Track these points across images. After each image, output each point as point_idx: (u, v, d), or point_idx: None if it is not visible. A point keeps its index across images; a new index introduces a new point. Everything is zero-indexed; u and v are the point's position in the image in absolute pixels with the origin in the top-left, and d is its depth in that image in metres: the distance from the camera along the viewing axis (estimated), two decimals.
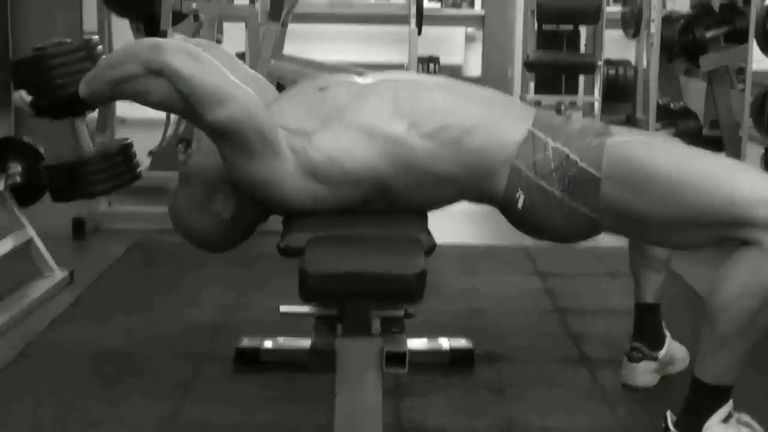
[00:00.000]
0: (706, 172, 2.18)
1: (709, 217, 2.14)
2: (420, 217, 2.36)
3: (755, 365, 2.37)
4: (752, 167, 2.63)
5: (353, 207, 2.30)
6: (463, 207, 2.57)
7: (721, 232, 2.15)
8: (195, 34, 4.67)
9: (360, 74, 2.52)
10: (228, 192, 2.37)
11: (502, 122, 2.31)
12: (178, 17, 4.65)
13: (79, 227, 4.49)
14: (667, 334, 2.83)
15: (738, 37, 5.17)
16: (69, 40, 2.59)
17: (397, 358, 2.13)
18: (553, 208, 2.26)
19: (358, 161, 2.23)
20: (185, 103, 2.20)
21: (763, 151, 4.90)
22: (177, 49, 2.21)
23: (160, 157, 5.35)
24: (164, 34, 4.60)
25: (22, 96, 2.47)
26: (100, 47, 2.59)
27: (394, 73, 2.52)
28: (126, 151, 2.76)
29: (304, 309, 2.28)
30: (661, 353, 2.80)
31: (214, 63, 2.23)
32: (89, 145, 2.68)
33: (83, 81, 2.36)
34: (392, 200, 2.32)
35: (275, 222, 2.48)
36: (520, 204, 2.28)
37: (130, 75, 2.23)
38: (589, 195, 2.22)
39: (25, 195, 3.71)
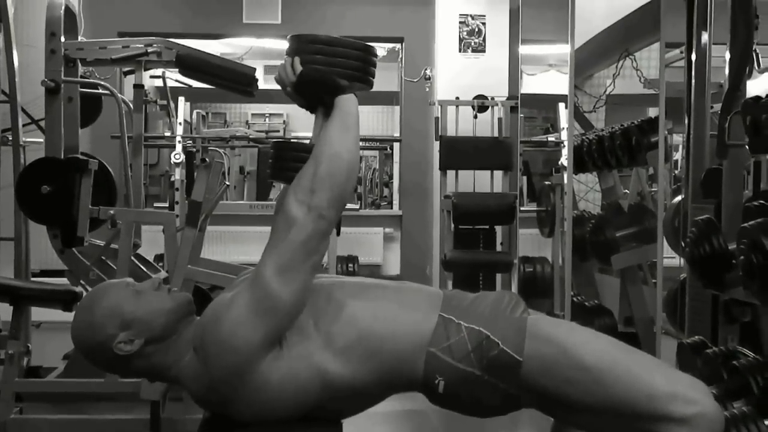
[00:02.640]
0: (626, 365, 2.22)
1: (627, 408, 2.18)
2: (335, 426, 2.34)
3: None
4: (668, 364, 2.68)
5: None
6: (382, 409, 2.56)
7: (639, 425, 2.18)
8: (112, 240, 4.67)
9: None
10: (138, 340, 2.30)
11: (412, 317, 2.34)
12: (95, 223, 4.66)
13: None
14: None
15: (648, 236, 5.30)
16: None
17: None
18: (473, 387, 2.28)
19: (295, 396, 2.25)
20: (280, 236, 2.23)
21: (677, 345, 4.96)
22: (328, 229, 2.26)
23: (75, 362, 5.25)
24: (81, 242, 4.60)
25: (294, 63, 2.40)
26: (376, 58, 2.53)
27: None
28: None
29: None
30: None
31: (318, 264, 2.26)
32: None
33: (352, 101, 2.38)
34: (319, 414, 2.32)
35: (193, 427, 2.44)
36: (440, 389, 2.29)
37: (315, 174, 2.25)
38: (509, 375, 2.25)
39: None
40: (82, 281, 4.89)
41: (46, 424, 4.64)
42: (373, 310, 2.35)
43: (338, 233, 7.67)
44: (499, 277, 8.08)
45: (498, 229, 8.02)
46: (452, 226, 7.65)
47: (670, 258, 5.11)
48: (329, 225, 2.26)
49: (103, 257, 4.87)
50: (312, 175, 2.26)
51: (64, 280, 5.09)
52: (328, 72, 2.40)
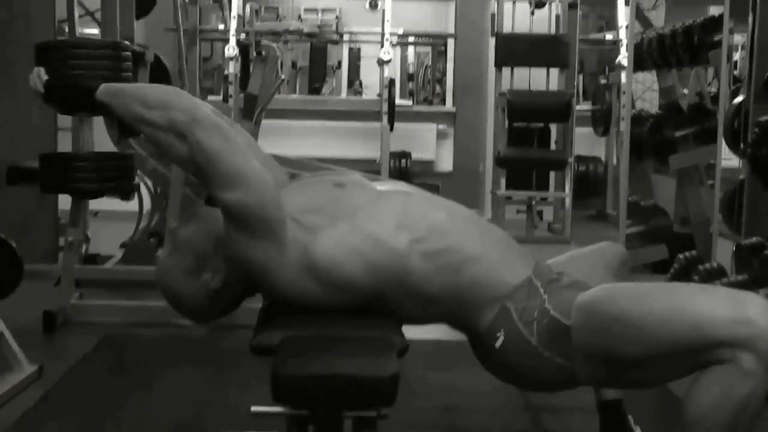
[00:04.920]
0: (666, 303, 2.13)
1: (680, 346, 2.08)
2: (396, 322, 2.35)
3: None
4: (711, 287, 2.63)
5: (341, 308, 2.30)
6: None
7: (696, 359, 2.08)
8: None
9: (374, 179, 2.53)
10: (218, 263, 2.34)
11: (504, 261, 2.32)
12: None
13: (49, 320, 4.45)
14: (637, 429, 2.81)
15: (706, 136, 5.24)
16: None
17: None
18: (526, 356, 2.24)
19: (357, 269, 2.23)
20: (200, 172, 2.22)
21: (734, 247, 4.93)
22: (208, 122, 2.21)
23: (132, 250, 5.34)
24: (137, 132, 4.62)
25: (40, 72, 2.43)
26: (127, 52, 2.55)
27: (408, 186, 2.52)
28: (122, 159, 2.72)
29: (276, 409, 2.25)
30: None
31: (239, 144, 2.23)
32: (88, 145, 2.62)
33: (105, 89, 2.35)
34: (381, 307, 2.32)
35: (247, 317, 2.48)
36: (497, 344, 2.27)
37: (153, 123, 2.24)
38: (561, 343, 2.21)
39: None
40: (139, 171, 4.94)
41: (104, 310, 4.74)
42: (468, 235, 2.33)
43: (391, 129, 7.67)
44: (552, 175, 8.06)
45: (552, 127, 7.97)
46: (506, 123, 7.61)
47: (727, 159, 5.05)
48: (204, 116, 2.22)
49: None
50: (155, 119, 2.23)
51: None
52: (74, 78, 2.38)
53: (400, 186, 2.49)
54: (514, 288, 2.29)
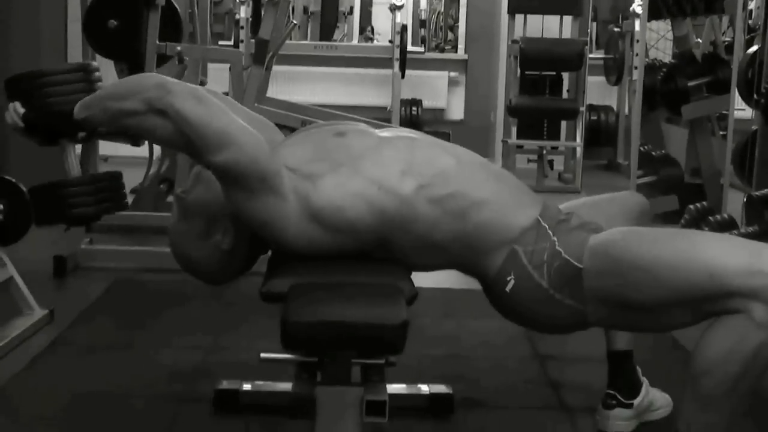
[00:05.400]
0: (681, 250, 2.13)
1: (691, 294, 2.09)
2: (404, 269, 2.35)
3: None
4: (727, 236, 2.61)
5: (351, 254, 2.30)
6: None
7: (707, 307, 2.09)
8: (179, 76, 4.68)
9: (378, 126, 2.51)
10: (228, 224, 2.34)
11: (510, 204, 2.31)
12: (162, 59, 4.65)
13: (59, 265, 4.47)
14: (645, 381, 2.82)
15: (720, 87, 5.21)
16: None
17: (377, 406, 2.11)
18: (538, 299, 2.25)
19: (361, 212, 2.22)
20: (188, 143, 2.20)
21: (745, 198, 4.92)
22: (183, 91, 2.21)
23: (142, 195, 5.34)
24: None
25: (16, 107, 2.43)
26: (98, 73, 2.56)
27: (413, 131, 2.50)
28: (113, 179, 2.72)
29: (285, 356, 2.27)
30: (637, 401, 2.79)
31: (219, 106, 2.21)
32: (76, 169, 2.62)
33: (80, 104, 2.33)
34: (389, 254, 2.32)
35: (257, 264, 2.49)
36: (508, 288, 2.27)
37: (132, 111, 2.22)
38: (573, 286, 2.21)
39: (7, 234, 3.68)
40: None
41: (114, 255, 4.76)
42: (474, 179, 2.32)
43: (403, 76, 7.63)
44: (563, 124, 8.02)
45: (564, 76, 7.92)
46: (519, 71, 7.57)
47: (740, 110, 5.02)
48: (176, 86, 2.21)
49: None
50: (133, 107, 2.22)
51: None
52: (52, 105, 2.36)
53: (404, 132, 2.47)
54: (522, 230, 2.28)
